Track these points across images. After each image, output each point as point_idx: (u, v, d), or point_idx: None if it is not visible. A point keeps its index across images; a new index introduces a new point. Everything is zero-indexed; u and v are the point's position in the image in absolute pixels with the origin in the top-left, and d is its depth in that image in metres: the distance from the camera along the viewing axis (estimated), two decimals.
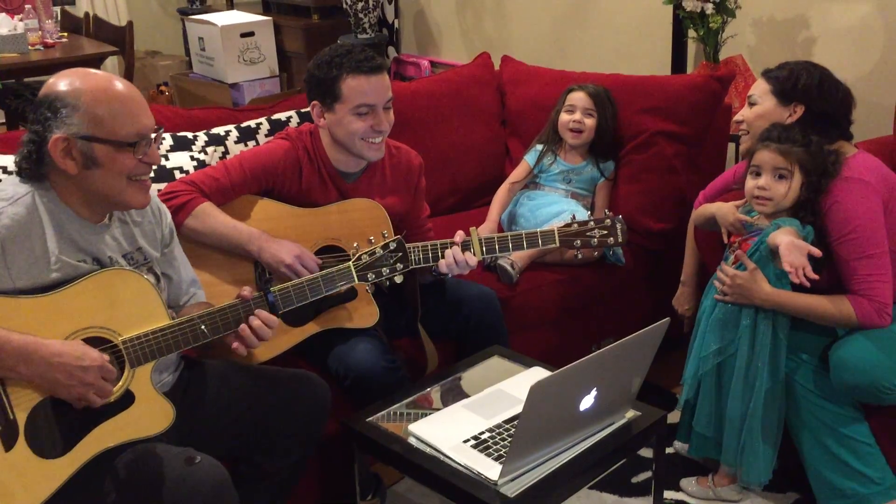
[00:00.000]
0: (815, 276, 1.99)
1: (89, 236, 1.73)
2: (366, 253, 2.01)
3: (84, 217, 1.72)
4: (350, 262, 1.99)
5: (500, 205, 2.88)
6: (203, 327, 1.77)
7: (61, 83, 1.66)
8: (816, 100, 2.19)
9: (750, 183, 2.19)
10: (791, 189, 2.13)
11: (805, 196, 2.13)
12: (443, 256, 2.17)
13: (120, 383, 1.68)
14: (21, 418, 1.59)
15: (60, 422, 1.63)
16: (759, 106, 2.27)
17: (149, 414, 1.72)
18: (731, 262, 2.23)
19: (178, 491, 1.63)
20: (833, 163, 2.13)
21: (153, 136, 1.72)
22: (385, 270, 2.02)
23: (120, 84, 1.70)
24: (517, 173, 2.92)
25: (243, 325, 1.82)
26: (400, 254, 2.03)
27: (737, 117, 2.35)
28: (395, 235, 2.05)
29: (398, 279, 2.05)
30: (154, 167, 1.78)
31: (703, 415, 2.29)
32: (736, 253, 2.21)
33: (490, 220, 2.83)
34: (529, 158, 2.92)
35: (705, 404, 2.28)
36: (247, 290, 1.84)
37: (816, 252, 2.02)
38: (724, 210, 2.30)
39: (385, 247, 2.02)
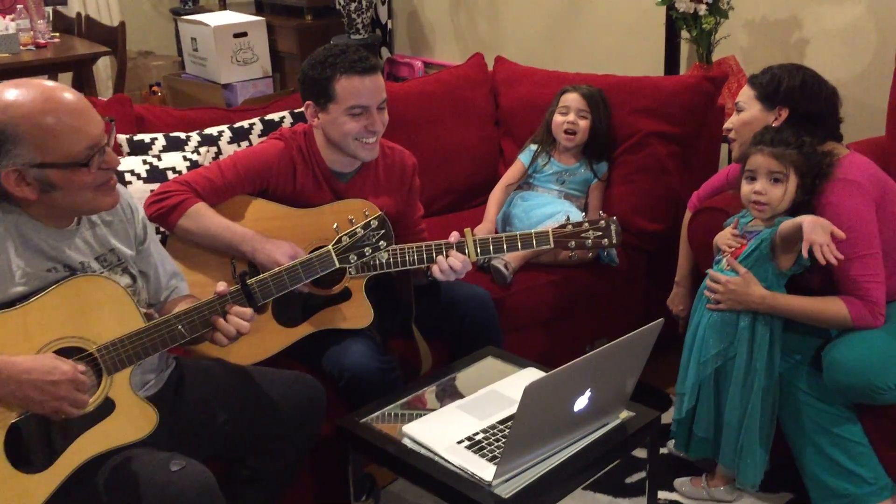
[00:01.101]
0: (840, 256, 1.98)
1: (56, 243, 1.68)
2: (346, 234, 1.93)
3: (50, 225, 1.67)
4: (329, 246, 1.93)
5: (497, 204, 2.87)
6: (180, 327, 1.72)
7: None
8: (800, 102, 2.20)
9: (746, 188, 2.18)
10: (787, 192, 2.13)
11: (801, 198, 2.14)
12: (437, 257, 2.17)
13: (98, 392, 1.65)
14: (0, 436, 1.56)
15: (41, 436, 1.60)
16: (745, 112, 2.28)
17: (131, 420, 1.68)
18: (724, 264, 2.23)
19: (162, 498, 1.61)
20: (828, 164, 2.14)
21: (105, 140, 1.64)
22: (367, 250, 1.94)
23: (58, 98, 1.59)
24: (512, 173, 2.92)
25: (219, 319, 1.76)
26: (382, 231, 1.94)
27: (726, 125, 2.36)
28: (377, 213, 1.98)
29: (384, 257, 1.98)
30: (116, 168, 1.69)
31: (702, 419, 2.28)
32: (727, 258, 2.21)
33: (487, 221, 2.83)
34: (524, 158, 2.92)
35: (704, 409, 2.27)
36: (222, 286, 1.79)
37: (840, 234, 2.00)
38: (722, 232, 2.30)
39: (366, 225, 1.94)
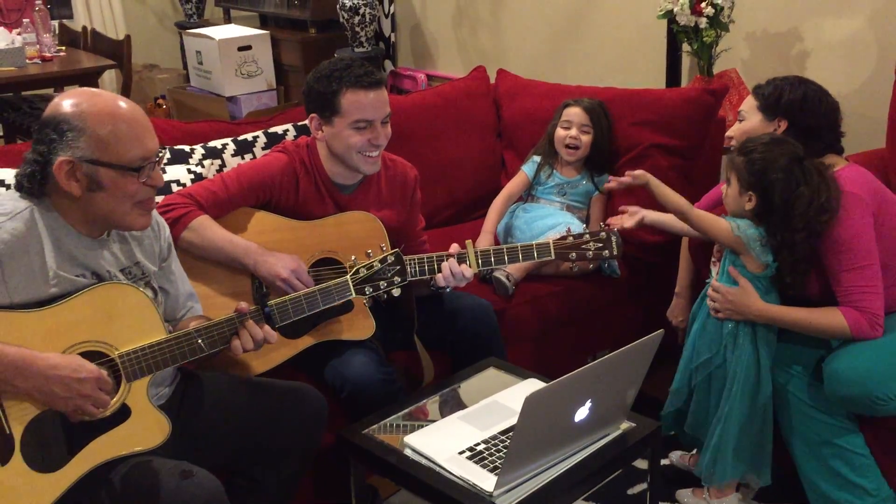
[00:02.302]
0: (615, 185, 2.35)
1: (87, 251, 1.73)
2: (363, 266, 2.01)
3: (83, 232, 1.72)
4: (347, 276, 1.99)
5: (497, 216, 2.88)
6: (200, 341, 1.77)
7: (67, 104, 1.66)
8: (799, 114, 2.22)
9: None
10: (730, 196, 2.18)
11: (757, 210, 2.14)
12: (439, 269, 2.18)
13: (116, 397, 1.68)
14: (17, 432, 1.59)
15: (56, 436, 1.63)
16: (746, 122, 2.30)
17: (145, 428, 1.71)
18: (713, 274, 2.28)
19: None
20: (807, 203, 2.06)
21: (157, 157, 1.72)
22: (383, 284, 2.02)
23: (126, 106, 1.69)
24: (515, 185, 2.93)
25: (242, 330, 1.83)
26: (398, 267, 2.03)
27: (728, 133, 2.38)
28: (393, 249, 2.05)
29: (396, 292, 2.05)
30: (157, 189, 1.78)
31: (697, 418, 2.32)
32: (729, 269, 2.23)
33: (486, 232, 2.83)
34: (528, 170, 2.92)
35: (700, 416, 2.31)
36: (243, 304, 1.85)
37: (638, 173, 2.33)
38: None
39: (383, 260, 2.02)
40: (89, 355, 1.66)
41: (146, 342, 1.71)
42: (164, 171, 2.45)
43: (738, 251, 2.19)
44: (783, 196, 2.08)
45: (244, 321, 1.83)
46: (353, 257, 2.05)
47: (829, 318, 2.11)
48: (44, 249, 1.66)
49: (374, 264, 2.01)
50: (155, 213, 1.92)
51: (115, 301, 1.70)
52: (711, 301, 2.24)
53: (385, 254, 2.03)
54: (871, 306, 2.09)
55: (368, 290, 2.01)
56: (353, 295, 2.00)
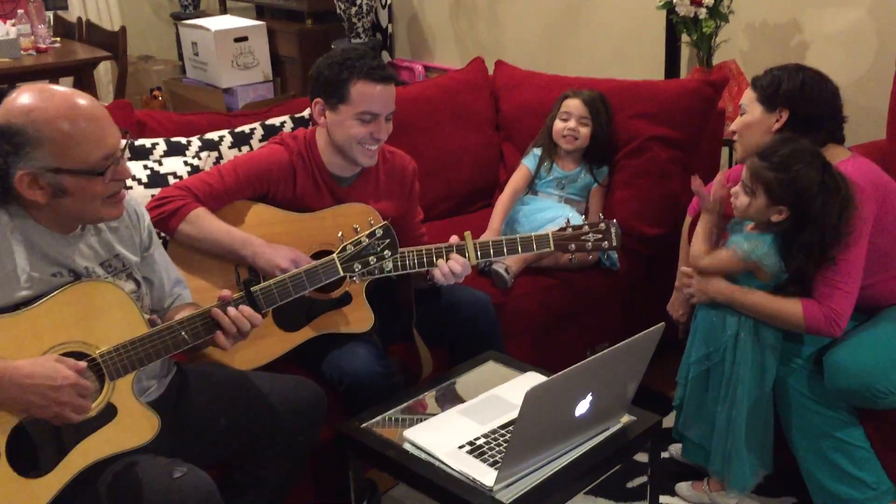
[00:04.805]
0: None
1: (62, 248, 1.68)
2: (350, 243, 1.94)
3: (55, 230, 1.67)
4: (334, 255, 1.93)
5: (504, 212, 2.84)
6: (184, 333, 1.72)
7: (18, 111, 1.57)
8: (799, 103, 2.19)
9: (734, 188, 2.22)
10: (753, 206, 2.12)
11: (787, 228, 2.09)
12: (437, 260, 2.17)
13: (100, 397, 1.64)
14: (1, 441, 1.56)
15: (43, 440, 1.59)
16: (747, 115, 2.27)
17: (132, 426, 1.68)
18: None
19: None
20: (836, 215, 2.03)
21: (121, 152, 1.64)
22: (372, 259, 1.94)
23: (81, 106, 1.60)
24: (518, 179, 2.88)
25: (222, 315, 1.75)
26: (387, 240, 1.95)
27: (731, 126, 2.35)
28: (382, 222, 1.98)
29: (388, 266, 1.99)
30: (127, 181, 1.70)
31: (690, 421, 2.31)
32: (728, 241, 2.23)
33: (491, 229, 2.79)
34: (529, 163, 2.90)
35: (692, 411, 2.30)
36: (226, 292, 1.80)
37: None
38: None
39: (371, 234, 1.94)
40: (70, 356, 1.61)
41: (127, 338, 1.67)
42: (161, 164, 2.43)
43: (752, 269, 2.17)
44: (820, 212, 2.04)
45: (227, 309, 1.77)
46: (339, 234, 1.97)
47: (787, 307, 2.08)
48: (14, 252, 1.61)
49: (362, 239, 1.93)
50: (133, 202, 1.87)
51: (92, 299, 1.65)
52: (687, 287, 2.24)
53: (373, 227, 1.96)
54: (834, 303, 2.06)
55: (357, 266, 1.93)
56: (342, 273, 1.92)
